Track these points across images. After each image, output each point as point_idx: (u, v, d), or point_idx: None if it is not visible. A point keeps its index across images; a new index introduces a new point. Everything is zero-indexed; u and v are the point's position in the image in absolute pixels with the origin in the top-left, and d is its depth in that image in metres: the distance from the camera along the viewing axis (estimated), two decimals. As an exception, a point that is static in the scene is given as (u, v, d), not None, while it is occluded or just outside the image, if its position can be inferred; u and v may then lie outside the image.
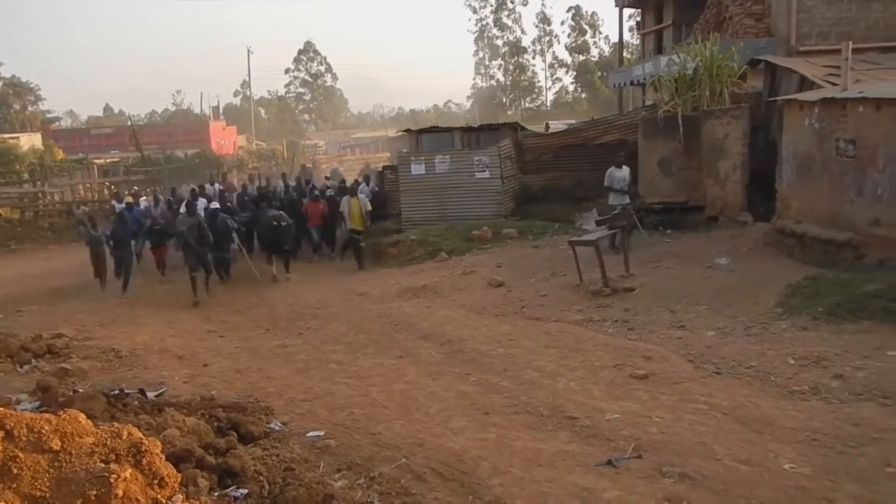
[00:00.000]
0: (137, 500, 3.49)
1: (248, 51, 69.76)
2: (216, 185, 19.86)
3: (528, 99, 79.29)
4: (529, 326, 9.26)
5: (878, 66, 13.01)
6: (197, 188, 18.01)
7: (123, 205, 17.10)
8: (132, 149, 36.39)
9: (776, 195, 11.92)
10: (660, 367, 7.08)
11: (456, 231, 15.72)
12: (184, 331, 10.92)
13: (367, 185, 19.27)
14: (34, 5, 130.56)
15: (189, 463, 4.68)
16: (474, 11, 77.34)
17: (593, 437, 5.54)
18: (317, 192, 17.30)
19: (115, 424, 4.03)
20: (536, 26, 77.66)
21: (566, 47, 76.89)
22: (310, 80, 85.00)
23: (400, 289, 12.39)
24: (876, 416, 5.55)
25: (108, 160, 36.99)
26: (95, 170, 29.92)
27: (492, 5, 76.29)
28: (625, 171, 13.15)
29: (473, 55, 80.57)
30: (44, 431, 3.59)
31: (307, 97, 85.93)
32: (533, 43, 78.03)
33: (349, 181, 19.69)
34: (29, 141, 41.20)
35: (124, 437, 3.73)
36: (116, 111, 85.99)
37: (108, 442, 3.69)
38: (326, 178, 22.66)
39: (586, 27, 75.70)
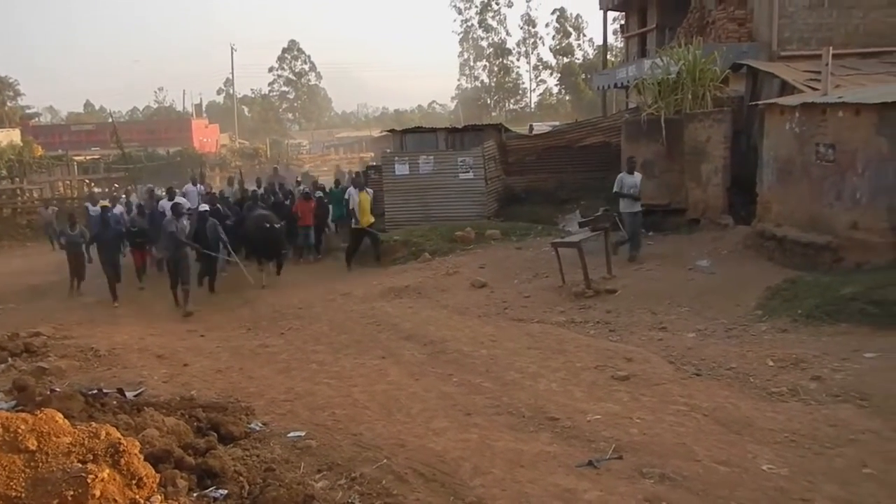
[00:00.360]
0: (115, 500, 3.46)
1: (232, 48, 69.01)
2: (199, 187, 17.85)
3: (512, 100, 79.46)
4: (512, 327, 9.28)
5: (858, 72, 13.18)
6: (166, 191, 16.65)
7: (98, 208, 16.17)
8: (113, 146, 36.08)
9: (757, 198, 12.03)
10: (641, 369, 7.12)
11: (439, 232, 15.70)
12: (164, 330, 10.82)
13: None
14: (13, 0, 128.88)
15: (168, 463, 4.64)
16: (459, 12, 77.45)
17: (574, 437, 5.56)
18: (307, 191, 17.07)
19: (93, 424, 3.99)
20: (521, 28, 77.93)
21: (551, 49, 77.22)
22: (294, 78, 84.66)
23: (383, 289, 12.35)
24: (853, 418, 5.62)
25: (88, 157, 36.60)
26: (75, 167, 29.61)
27: (477, 7, 76.46)
28: (636, 177, 12.54)
29: (458, 56, 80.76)
30: (20, 431, 3.54)
31: (291, 96, 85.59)
32: (517, 45, 78.29)
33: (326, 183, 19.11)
34: (7, 137, 40.54)
35: (102, 437, 3.69)
36: (97, 108, 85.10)
37: (86, 442, 3.65)
38: (298, 181, 21.49)
39: (571, 30, 75.98)
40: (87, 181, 28.35)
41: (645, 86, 15.47)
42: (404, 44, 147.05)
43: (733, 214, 13.25)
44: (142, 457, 3.80)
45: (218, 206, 14.72)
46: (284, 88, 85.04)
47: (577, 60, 73.97)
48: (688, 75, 14.33)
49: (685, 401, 6.19)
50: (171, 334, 10.58)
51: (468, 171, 17.39)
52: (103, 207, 15.69)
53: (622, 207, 12.44)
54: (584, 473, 4.91)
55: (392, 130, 21.18)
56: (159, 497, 3.81)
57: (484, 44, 78.02)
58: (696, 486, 4.63)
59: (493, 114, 72.28)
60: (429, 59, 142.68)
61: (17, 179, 26.04)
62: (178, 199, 15.27)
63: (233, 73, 72.96)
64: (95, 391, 6.36)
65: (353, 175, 18.91)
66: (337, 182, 19.16)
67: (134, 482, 3.61)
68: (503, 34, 77.64)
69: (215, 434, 5.60)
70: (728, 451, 5.15)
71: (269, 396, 7.06)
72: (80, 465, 3.48)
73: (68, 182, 28.12)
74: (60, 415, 3.81)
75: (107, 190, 27.93)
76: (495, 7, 76.36)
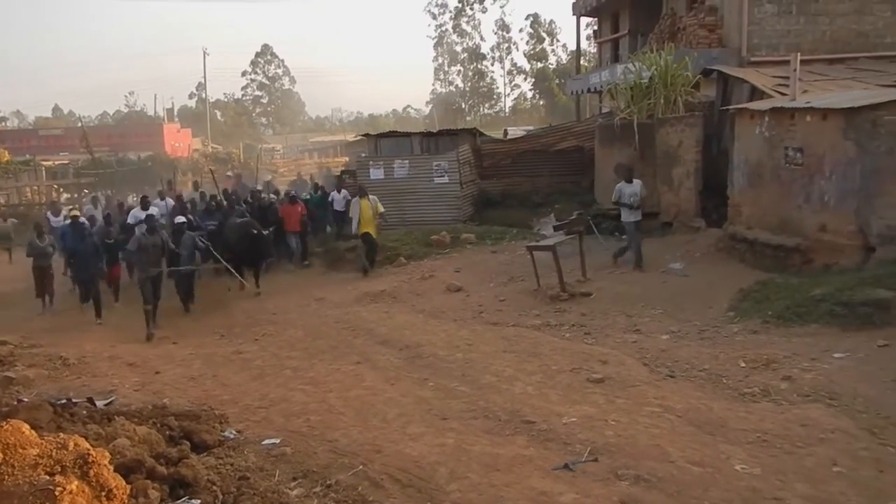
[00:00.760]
0: (84, 512, 3.39)
1: (204, 52, 68.15)
2: (167, 200, 15.99)
3: (486, 105, 79.69)
4: (487, 331, 9.29)
5: (825, 77, 13.43)
6: (140, 199, 15.42)
7: (61, 219, 14.49)
8: (82, 151, 35.47)
9: (728, 201, 12.20)
10: (615, 371, 7.17)
11: (415, 236, 15.68)
12: (135, 337, 10.65)
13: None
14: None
15: (139, 473, 4.56)
16: (434, 17, 77.46)
17: (550, 441, 5.58)
18: (293, 194, 16.84)
19: (62, 435, 3.91)
20: (495, 33, 78.07)
21: (525, 54, 77.54)
22: (267, 82, 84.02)
23: (358, 294, 12.30)
24: (823, 417, 5.71)
25: (56, 162, 36.00)
26: (44, 172, 29.11)
27: (451, 12, 76.64)
28: (636, 185, 12.03)
29: (433, 61, 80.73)
30: (-16, 443, 3.46)
31: (264, 100, 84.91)
32: (492, 49, 78.47)
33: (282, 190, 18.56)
34: (-27, 142, 39.88)
35: (70, 448, 3.62)
36: (66, 112, 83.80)
37: (54, 453, 3.57)
38: (258, 189, 19.48)
39: (544, 35, 76.40)
40: (55, 186, 27.87)
41: (618, 90, 15.64)
42: (379, 48, 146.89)
43: (705, 217, 13.42)
44: (112, 468, 3.73)
45: (189, 216, 13.85)
46: (258, 93, 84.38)
47: (550, 65, 74.39)
48: (660, 80, 14.51)
49: (659, 402, 6.25)
50: (143, 342, 10.43)
51: (443, 176, 17.43)
52: (73, 217, 13.39)
53: (623, 217, 12.15)
54: (560, 476, 4.92)
55: (367, 135, 21.12)
56: (130, 508, 3.74)
57: (458, 48, 78.18)
58: (670, 487, 4.67)
59: (468, 118, 72.43)
60: (403, 64, 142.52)
61: (-17, 185, 25.54)
62: (153, 209, 14.14)
63: (205, 76, 71.90)
64: (64, 401, 6.23)
65: (337, 179, 18.87)
66: (316, 187, 19.06)
67: (104, 494, 3.54)
68: (477, 39, 77.88)
69: (188, 443, 5.52)
70: (701, 451, 5.20)
71: (244, 403, 6.99)
72: (47, 478, 3.40)
73: (36, 188, 27.61)
74: (27, 426, 3.74)
75: (76, 196, 27.46)
76: (469, 12, 76.64)
